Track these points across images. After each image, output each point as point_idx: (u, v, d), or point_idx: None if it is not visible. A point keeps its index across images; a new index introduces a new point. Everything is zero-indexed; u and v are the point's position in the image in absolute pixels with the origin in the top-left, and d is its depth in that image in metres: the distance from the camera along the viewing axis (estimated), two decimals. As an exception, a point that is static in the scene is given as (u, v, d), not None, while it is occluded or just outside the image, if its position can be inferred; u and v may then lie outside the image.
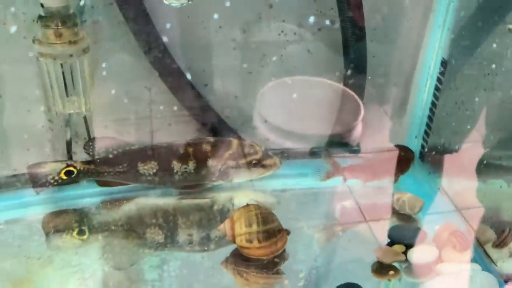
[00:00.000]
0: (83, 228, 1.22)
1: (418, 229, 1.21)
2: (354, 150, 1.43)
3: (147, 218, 1.26)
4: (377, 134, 1.47)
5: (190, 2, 1.09)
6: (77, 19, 1.16)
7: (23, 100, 1.26)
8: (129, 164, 1.24)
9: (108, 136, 1.29)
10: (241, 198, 1.30)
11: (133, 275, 1.12)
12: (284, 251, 1.14)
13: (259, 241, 1.10)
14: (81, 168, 1.22)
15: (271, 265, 1.13)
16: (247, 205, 1.17)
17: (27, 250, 1.16)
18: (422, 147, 1.42)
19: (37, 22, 1.13)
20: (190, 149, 1.25)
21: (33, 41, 1.14)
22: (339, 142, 1.43)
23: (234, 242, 1.13)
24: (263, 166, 1.28)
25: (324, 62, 1.39)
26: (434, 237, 1.18)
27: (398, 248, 1.15)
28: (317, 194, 1.35)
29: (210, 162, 1.25)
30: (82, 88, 1.21)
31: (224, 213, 1.27)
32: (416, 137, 1.42)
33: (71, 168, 1.21)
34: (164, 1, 1.10)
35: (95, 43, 1.22)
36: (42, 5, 1.12)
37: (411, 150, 1.35)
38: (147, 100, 1.35)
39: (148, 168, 1.24)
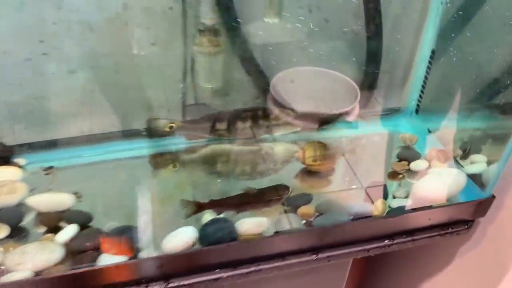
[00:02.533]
0: (175, 163, 1.41)
1: (414, 152, 1.44)
2: (352, 126, 1.51)
3: (217, 157, 1.43)
4: (387, 101, 1.62)
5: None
6: (220, 32, 1.34)
7: (168, 79, 1.43)
8: (210, 123, 1.39)
9: (199, 103, 1.47)
10: (277, 146, 1.46)
11: (205, 191, 1.30)
12: (334, 168, 1.38)
13: (320, 160, 1.34)
14: (179, 125, 1.38)
15: (325, 176, 1.36)
16: (313, 140, 1.38)
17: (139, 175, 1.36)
18: (417, 105, 1.59)
19: (198, 32, 1.32)
20: (249, 114, 1.41)
21: (193, 44, 1.34)
22: (340, 120, 1.47)
23: (304, 163, 1.34)
24: (293, 125, 1.44)
25: (357, 53, 1.52)
26: (426, 155, 1.40)
27: (404, 163, 1.40)
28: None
29: (261, 122, 1.41)
30: (219, 73, 1.42)
31: (266, 156, 1.43)
32: (413, 100, 1.60)
33: (173, 124, 1.37)
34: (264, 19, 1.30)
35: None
36: (203, 23, 1.32)
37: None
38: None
39: (222, 125, 1.40)
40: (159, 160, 1.43)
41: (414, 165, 1.39)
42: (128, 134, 1.44)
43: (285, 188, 1.23)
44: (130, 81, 1.39)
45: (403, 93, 1.64)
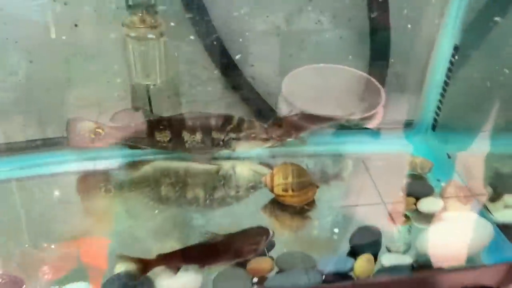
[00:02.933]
0: (109, 187, 1.24)
1: (426, 185, 1.26)
2: (374, 134, 1.43)
3: (162, 178, 1.27)
4: (396, 111, 1.45)
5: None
6: (156, 8, 1.18)
7: (105, 73, 1.29)
8: (148, 132, 1.24)
9: (134, 107, 1.30)
10: (241, 167, 1.32)
11: (150, 224, 1.14)
12: (313, 200, 1.19)
13: (293, 190, 1.15)
14: (107, 131, 1.22)
15: (302, 211, 1.18)
16: (285, 162, 1.20)
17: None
18: (435, 120, 1.43)
19: (126, 10, 1.16)
20: (198, 122, 1.26)
21: (122, 25, 1.17)
22: (360, 126, 1.40)
23: (272, 191, 1.17)
24: (261, 140, 1.29)
25: (353, 48, 1.40)
26: (441, 191, 1.22)
27: (410, 200, 1.20)
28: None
29: (214, 134, 1.26)
30: (158, 64, 1.24)
31: (226, 178, 1.28)
32: (429, 112, 1.43)
33: (100, 130, 1.21)
34: None
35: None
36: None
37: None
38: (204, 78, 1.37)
39: (163, 136, 1.25)
40: (87, 182, 1.25)
41: (424, 204, 1.20)
42: (48, 144, 1.29)
43: (263, 232, 1.04)
44: (48, 74, 1.24)
45: (416, 103, 1.48)
